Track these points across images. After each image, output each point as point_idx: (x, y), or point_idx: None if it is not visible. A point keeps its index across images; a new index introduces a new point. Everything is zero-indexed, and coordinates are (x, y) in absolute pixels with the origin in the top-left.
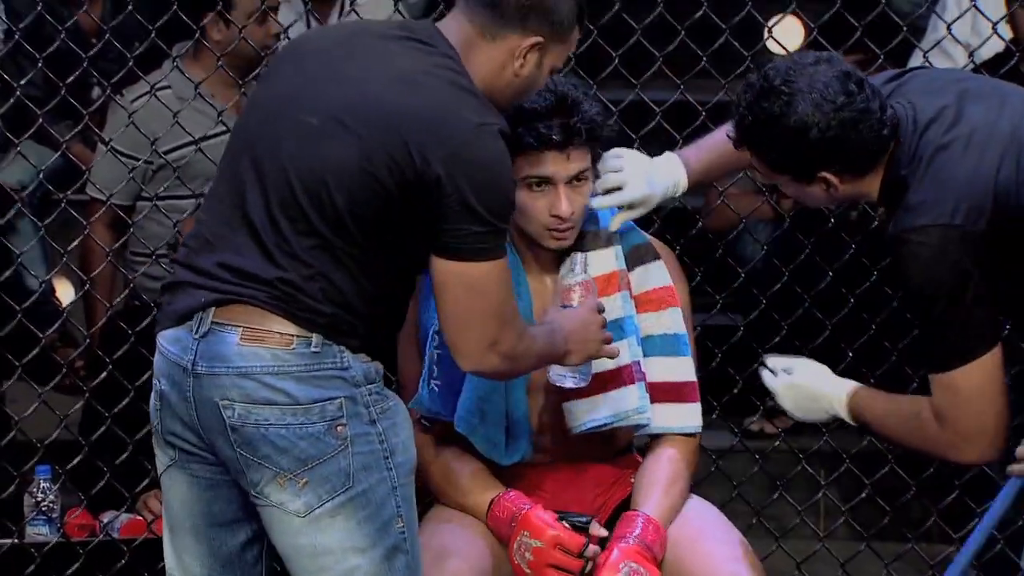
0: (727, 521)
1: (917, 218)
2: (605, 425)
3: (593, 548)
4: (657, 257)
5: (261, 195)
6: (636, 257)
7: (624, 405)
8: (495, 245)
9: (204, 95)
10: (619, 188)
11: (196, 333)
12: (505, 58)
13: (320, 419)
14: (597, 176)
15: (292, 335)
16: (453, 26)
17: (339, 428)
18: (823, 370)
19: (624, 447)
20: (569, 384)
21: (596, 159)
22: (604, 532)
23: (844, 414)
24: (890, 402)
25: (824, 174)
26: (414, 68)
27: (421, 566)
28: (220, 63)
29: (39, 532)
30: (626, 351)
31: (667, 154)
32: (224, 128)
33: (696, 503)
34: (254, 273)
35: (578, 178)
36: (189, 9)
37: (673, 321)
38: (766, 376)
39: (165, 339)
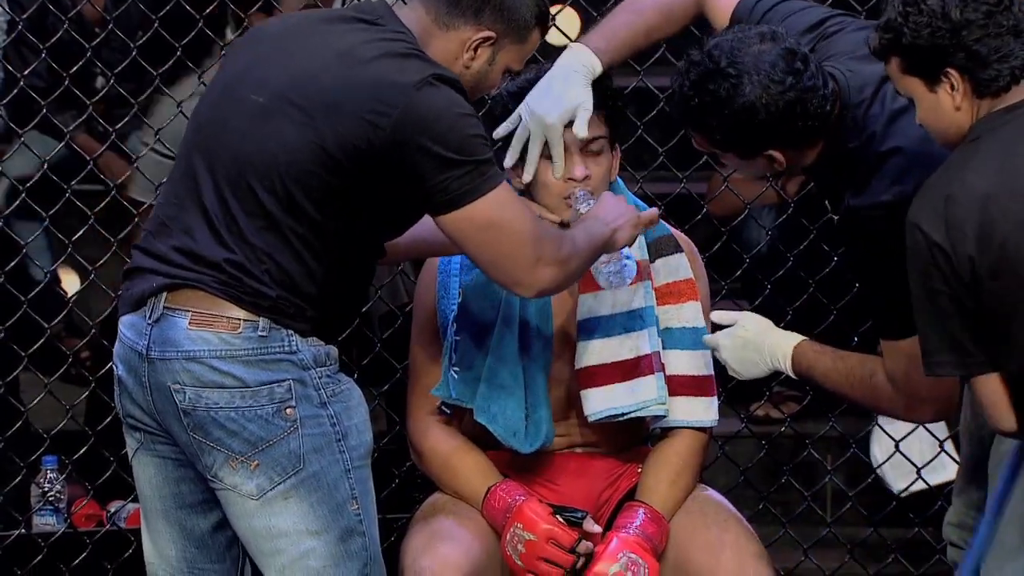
0: (732, 509)
1: (880, 194)
2: (624, 415)
3: (586, 544)
4: (679, 250)
5: (211, 177)
6: (658, 249)
7: (643, 395)
8: (485, 177)
9: None
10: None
11: (149, 318)
12: (457, 50)
13: (269, 401)
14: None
15: (240, 319)
16: (410, 15)
17: (288, 410)
18: (766, 322)
19: (637, 439)
20: (615, 281)
21: (613, 132)
22: (598, 528)
23: (786, 366)
24: (839, 360)
25: (769, 152)
26: (355, 43)
27: (379, 549)
28: None
29: (46, 522)
30: (645, 341)
31: (572, 47)
32: None
33: (701, 492)
34: (203, 255)
35: (593, 148)
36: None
37: (693, 315)
38: (711, 335)
39: (123, 324)
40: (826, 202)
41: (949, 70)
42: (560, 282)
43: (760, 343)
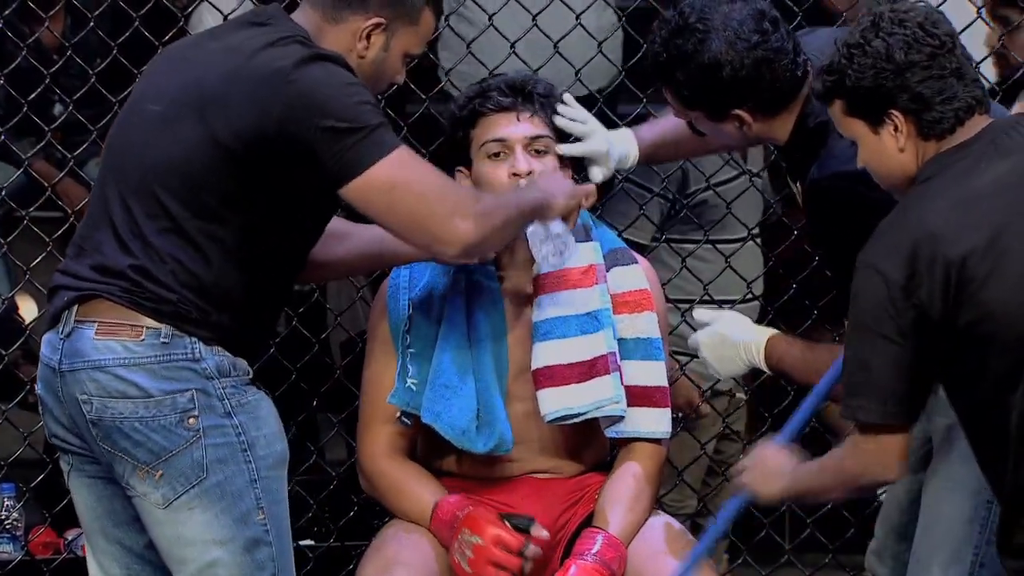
0: (689, 536)
1: (844, 164)
2: (580, 415)
3: (533, 548)
4: (635, 261)
5: (118, 191)
6: (613, 259)
7: (599, 395)
8: (379, 141)
9: None
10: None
11: (62, 333)
12: (350, 41)
13: (171, 411)
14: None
15: (142, 327)
16: (301, 15)
17: (191, 420)
18: (744, 320)
19: (595, 464)
20: (553, 262)
21: (556, 131)
22: (545, 534)
23: (760, 360)
24: (807, 351)
25: (737, 112)
26: (241, 40)
27: (290, 559)
28: None
29: (3, 550)
30: (602, 342)
31: (624, 129)
32: None
33: (657, 518)
34: (109, 266)
35: (536, 147)
36: (149, 25)
37: (648, 325)
38: (693, 334)
39: (43, 343)
40: (796, 185)
41: (893, 111)
42: (485, 237)
43: (736, 339)
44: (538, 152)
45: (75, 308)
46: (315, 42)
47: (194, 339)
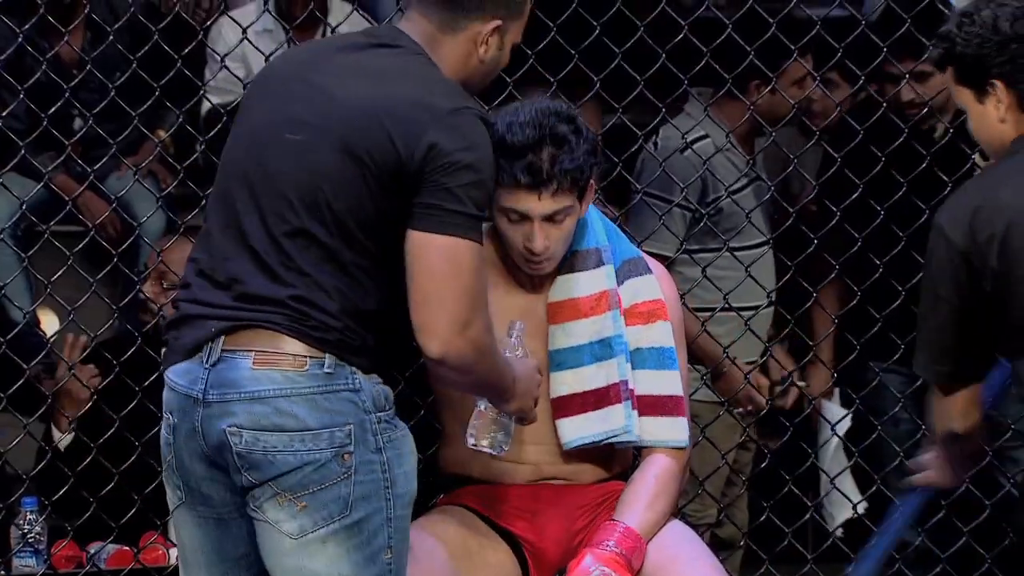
0: (703, 544)
1: None
2: (595, 442)
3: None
4: (649, 271)
5: (259, 220)
6: (627, 270)
7: (611, 424)
8: (470, 228)
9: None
10: None
11: (207, 363)
12: (469, 48)
13: (328, 446)
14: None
15: (305, 356)
16: (414, 28)
17: (346, 456)
18: None
19: (617, 473)
20: (485, 449)
21: (582, 195)
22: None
23: None
24: None
25: None
26: (383, 68)
27: None
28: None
29: (26, 564)
30: (615, 370)
31: None
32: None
33: (674, 526)
34: (265, 296)
35: (554, 217)
36: (168, 39)
37: (662, 335)
38: None
39: (174, 374)
40: None
41: (994, 81)
42: (464, 367)
43: None
44: (556, 221)
45: (222, 338)
46: (431, 55)
47: (354, 368)
